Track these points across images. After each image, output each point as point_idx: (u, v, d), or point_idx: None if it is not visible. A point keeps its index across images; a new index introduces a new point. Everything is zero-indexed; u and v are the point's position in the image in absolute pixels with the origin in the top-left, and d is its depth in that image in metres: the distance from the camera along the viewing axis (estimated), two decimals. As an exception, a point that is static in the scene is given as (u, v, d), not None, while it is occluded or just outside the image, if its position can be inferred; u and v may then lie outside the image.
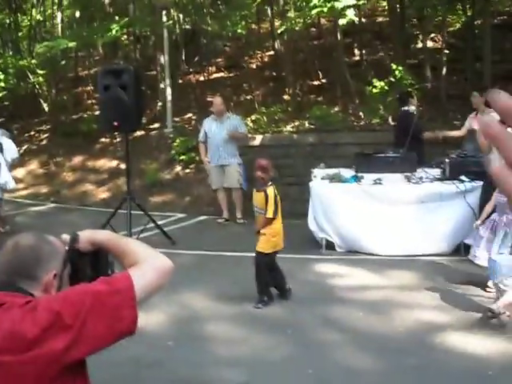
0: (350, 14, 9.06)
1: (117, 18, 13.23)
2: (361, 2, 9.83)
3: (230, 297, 6.30)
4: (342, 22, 9.03)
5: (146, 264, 1.98)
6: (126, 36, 15.90)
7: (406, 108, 9.01)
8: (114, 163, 12.29)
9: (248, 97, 13.48)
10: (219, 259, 7.79)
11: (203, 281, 6.85)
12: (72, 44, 12.31)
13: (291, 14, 10.87)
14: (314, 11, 8.88)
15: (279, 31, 9.38)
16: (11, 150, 9.44)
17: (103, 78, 7.86)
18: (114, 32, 11.92)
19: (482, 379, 4.52)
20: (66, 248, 2.02)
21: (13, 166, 9.99)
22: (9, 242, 2.01)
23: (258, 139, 10.88)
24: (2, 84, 13.48)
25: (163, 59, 13.04)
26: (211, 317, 5.83)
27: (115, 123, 7.70)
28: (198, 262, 7.72)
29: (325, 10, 8.65)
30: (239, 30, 12.01)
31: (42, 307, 1.81)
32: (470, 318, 5.56)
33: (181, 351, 5.07)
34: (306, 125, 11.52)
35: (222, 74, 14.89)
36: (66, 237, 2.04)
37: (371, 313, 5.83)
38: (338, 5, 8.71)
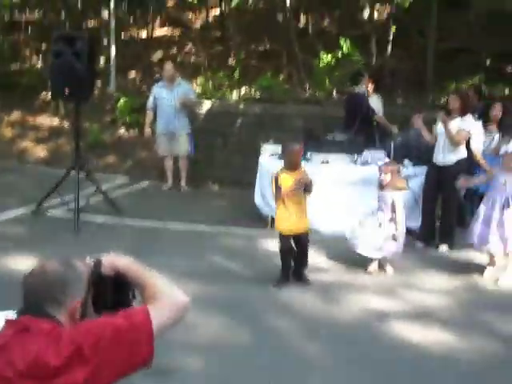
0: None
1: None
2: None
3: (181, 273, 6.37)
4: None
5: (164, 300, 2.10)
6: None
7: (356, 90, 9.16)
8: (56, 121, 12.02)
9: (192, 58, 13.34)
10: (168, 232, 7.85)
11: (153, 256, 6.89)
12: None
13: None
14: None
15: (234, 2, 9.26)
16: None
17: (55, 44, 7.68)
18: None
19: (422, 370, 4.81)
20: (90, 272, 2.11)
21: None
22: (36, 266, 2.11)
23: (204, 106, 10.86)
24: None
25: (107, 12, 12.71)
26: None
27: (66, 90, 7.57)
28: (148, 234, 7.77)
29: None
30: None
31: (66, 337, 1.93)
32: (419, 304, 5.88)
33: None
34: (252, 93, 11.55)
35: (165, 32, 14.61)
36: (89, 261, 2.14)
37: (320, 296, 6.05)
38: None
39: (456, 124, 7.28)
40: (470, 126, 7.32)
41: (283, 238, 6.34)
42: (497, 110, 7.61)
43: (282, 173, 6.37)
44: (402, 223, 6.58)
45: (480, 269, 6.62)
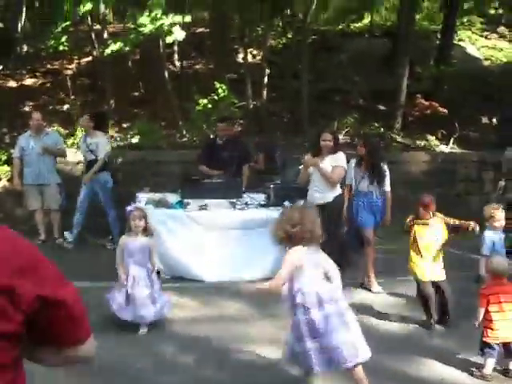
0: (177, 31, 8.92)
1: None
2: (187, 19, 9.72)
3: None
4: (169, 39, 8.85)
5: None
6: None
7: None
8: None
9: (65, 107, 12.85)
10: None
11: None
12: None
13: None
14: (145, 30, 8.63)
15: (108, 51, 8.96)
16: None
17: None
18: None
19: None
20: None
21: None
22: None
23: (74, 155, 10.39)
24: None
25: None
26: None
27: None
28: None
29: (153, 29, 8.48)
30: (62, 47, 11.33)
31: None
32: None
33: None
34: (128, 140, 11.21)
35: (36, 80, 14.06)
36: None
37: (203, 349, 5.72)
38: (165, 22, 8.57)
39: (328, 162, 7.31)
40: (343, 161, 7.38)
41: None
42: (360, 148, 7.57)
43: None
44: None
45: (363, 307, 6.53)
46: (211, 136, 9.99)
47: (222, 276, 7.65)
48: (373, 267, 7.33)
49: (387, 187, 7.35)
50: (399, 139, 11.73)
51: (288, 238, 4.40)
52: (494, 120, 12.65)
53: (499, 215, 6.86)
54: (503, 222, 6.92)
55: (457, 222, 6.31)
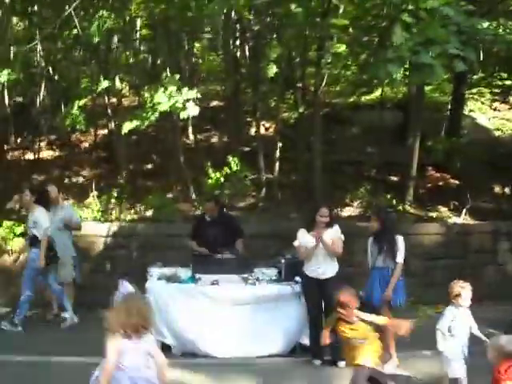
0: (191, 107, 9.08)
1: None
2: (199, 95, 9.90)
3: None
4: (183, 115, 9.01)
5: None
6: None
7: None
8: None
9: (80, 179, 13.05)
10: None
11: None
12: None
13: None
14: (161, 108, 8.82)
15: (125, 130, 9.14)
16: None
17: None
18: None
19: None
20: None
21: None
22: None
23: (90, 229, 10.51)
24: None
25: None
26: None
27: None
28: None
29: (168, 108, 8.69)
30: (79, 126, 11.60)
31: None
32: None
33: None
34: (142, 213, 11.33)
35: (52, 153, 14.30)
36: None
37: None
38: (179, 100, 8.76)
39: (329, 235, 7.38)
40: (339, 233, 7.47)
41: None
42: (374, 222, 7.60)
43: None
44: None
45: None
46: (201, 213, 10.08)
47: (232, 352, 7.61)
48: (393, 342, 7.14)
49: (399, 259, 7.31)
50: (411, 210, 11.73)
51: None
52: (507, 189, 12.66)
53: (466, 293, 6.16)
54: (469, 302, 6.19)
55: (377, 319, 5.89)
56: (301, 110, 12.93)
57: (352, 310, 5.71)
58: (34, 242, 8.95)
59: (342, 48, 11.00)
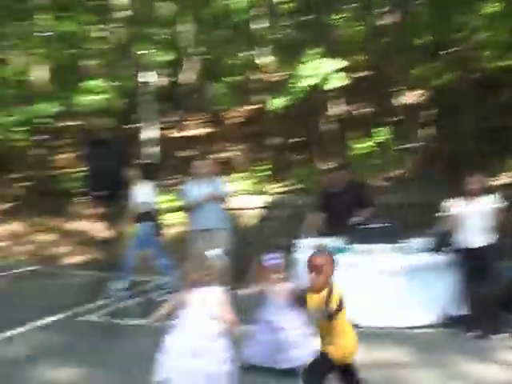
0: (335, 77, 9.01)
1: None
2: (344, 65, 9.81)
3: None
4: (329, 86, 8.96)
5: None
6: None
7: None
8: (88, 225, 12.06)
9: (228, 154, 13.38)
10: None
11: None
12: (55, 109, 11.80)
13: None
14: (308, 82, 8.82)
15: (272, 106, 9.22)
16: None
17: (92, 147, 7.78)
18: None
19: None
20: None
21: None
22: None
23: (242, 201, 10.78)
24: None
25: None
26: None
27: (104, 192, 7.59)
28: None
29: (315, 82, 8.68)
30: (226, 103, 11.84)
31: None
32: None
33: None
34: (290, 185, 11.46)
35: (200, 130, 14.75)
36: None
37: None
38: (324, 72, 8.73)
39: (485, 203, 7.15)
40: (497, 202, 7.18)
41: None
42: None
43: None
44: None
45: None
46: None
47: (387, 322, 7.52)
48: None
49: None
50: None
51: None
52: None
53: None
54: None
55: None
56: (451, 76, 12.44)
57: None
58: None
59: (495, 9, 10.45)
